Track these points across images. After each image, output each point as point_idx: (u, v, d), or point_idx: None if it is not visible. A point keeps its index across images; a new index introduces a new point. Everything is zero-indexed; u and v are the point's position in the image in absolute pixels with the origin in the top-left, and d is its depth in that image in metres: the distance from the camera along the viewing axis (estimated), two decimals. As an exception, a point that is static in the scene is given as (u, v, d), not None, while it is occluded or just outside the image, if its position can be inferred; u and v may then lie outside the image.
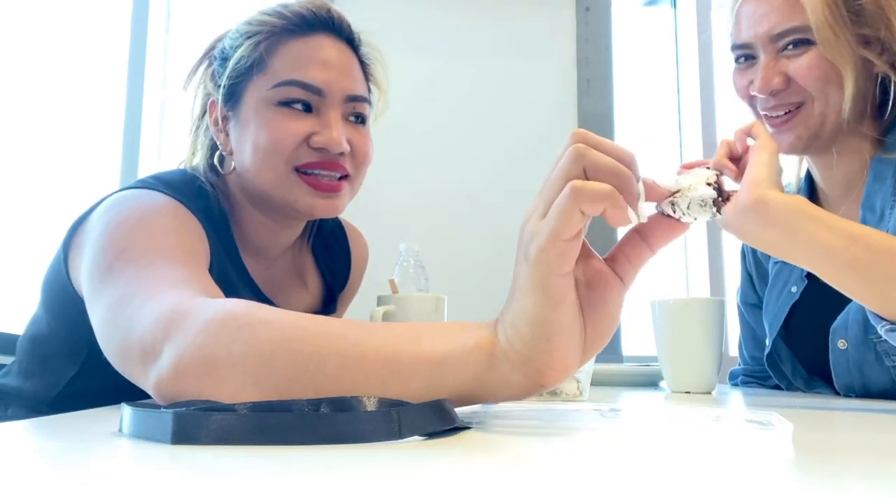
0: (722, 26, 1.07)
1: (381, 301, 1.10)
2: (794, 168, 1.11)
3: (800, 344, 1.07)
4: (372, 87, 0.93)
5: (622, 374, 1.17)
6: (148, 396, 0.56)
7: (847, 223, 0.68)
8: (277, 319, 0.51)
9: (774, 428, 0.46)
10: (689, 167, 0.81)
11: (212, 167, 0.90)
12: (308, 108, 0.84)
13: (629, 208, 0.43)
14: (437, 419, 0.42)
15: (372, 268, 1.14)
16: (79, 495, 0.26)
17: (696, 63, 2.26)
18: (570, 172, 0.44)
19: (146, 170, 1.83)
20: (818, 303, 1.00)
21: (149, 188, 0.78)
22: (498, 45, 2.15)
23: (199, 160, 0.91)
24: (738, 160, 0.74)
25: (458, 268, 1.91)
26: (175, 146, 0.97)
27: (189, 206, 0.78)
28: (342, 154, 0.85)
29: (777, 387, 1.14)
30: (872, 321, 0.73)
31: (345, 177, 0.86)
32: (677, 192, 0.46)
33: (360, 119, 0.89)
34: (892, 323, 0.71)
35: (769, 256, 1.13)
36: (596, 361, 0.72)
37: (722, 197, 0.45)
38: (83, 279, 0.71)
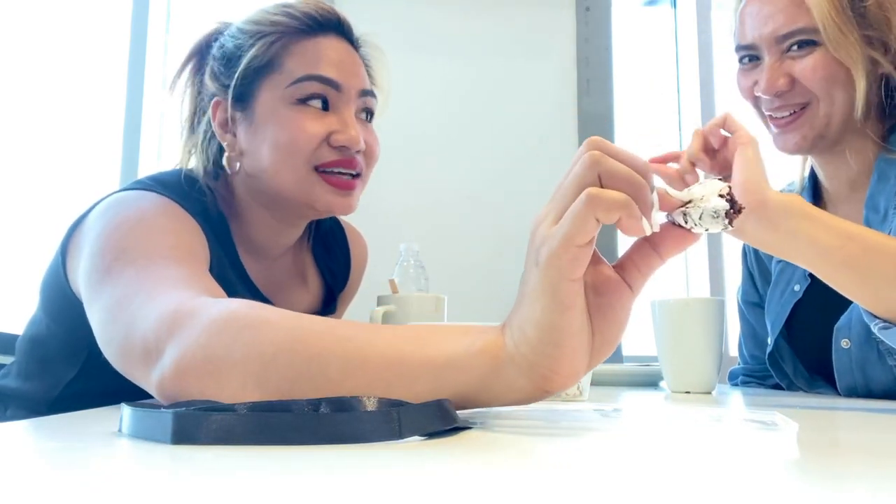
0: (722, 26, 1.07)
1: (381, 301, 1.10)
2: (798, 167, 1.11)
3: (802, 343, 1.07)
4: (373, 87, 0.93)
5: (622, 374, 1.17)
6: (148, 397, 0.56)
7: (844, 223, 0.69)
8: (280, 320, 0.51)
9: (779, 428, 0.46)
10: (660, 161, 0.81)
11: (213, 168, 0.89)
12: (325, 106, 0.85)
13: (643, 218, 0.43)
14: (437, 419, 0.42)
15: (372, 268, 1.13)
16: (79, 495, 0.26)
17: (696, 63, 2.26)
18: (585, 179, 0.43)
19: (146, 170, 1.83)
20: (821, 302, 1.00)
21: (146, 189, 0.78)
22: (498, 45, 2.15)
23: (196, 161, 0.90)
24: (711, 151, 0.76)
25: (458, 268, 1.91)
26: (175, 146, 0.96)
27: (187, 206, 0.77)
28: (359, 151, 0.86)
29: (777, 386, 1.14)
30: (866, 319, 0.73)
31: (357, 174, 0.87)
32: (689, 202, 0.46)
33: (369, 116, 0.91)
34: (885, 321, 0.71)
35: (772, 255, 1.13)
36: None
37: (734, 209, 0.46)
38: (81, 281, 0.71)
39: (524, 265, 0.46)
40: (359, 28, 0.92)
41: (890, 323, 0.71)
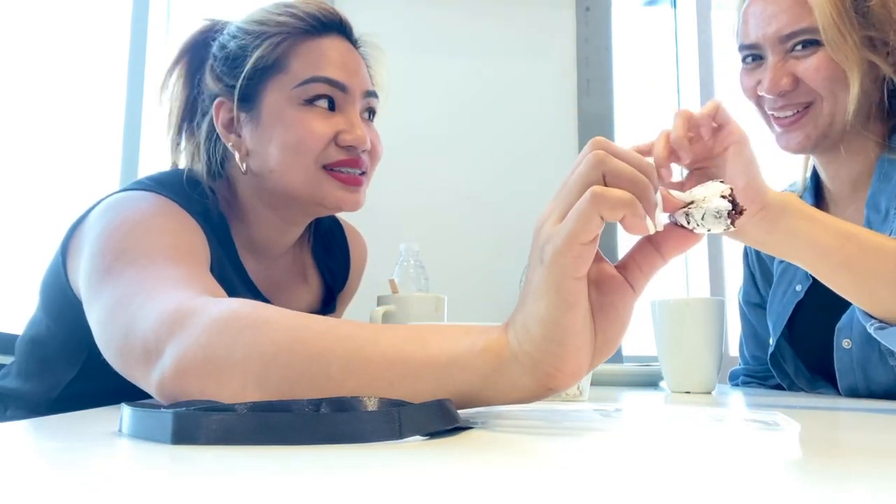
0: (722, 26, 1.07)
1: (381, 301, 1.10)
2: (799, 167, 1.11)
3: (803, 343, 1.07)
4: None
5: (622, 374, 1.17)
6: (148, 398, 0.56)
7: (842, 223, 0.69)
8: (281, 320, 0.51)
9: (780, 428, 0.46)
10: (641, 151, 0.76)
11: (213, 168, 0.89)
12: (331, 106, 0.85)
13: (647, 217, 0.43)
14: (437, 419, 0.42)
15: (372, 268, 1.13)
16: (79, 495, 0.25)
17: (696, 63, 2.26)
18: (590, 178, 0.44)
19: (146, 170, 1.83)
20: (822, 302, 1.00)
21: (146, 190, 0.77)
22: (498, 45, 2.15)
23: (196, 162, 0.90)
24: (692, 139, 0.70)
25: (458, 268, 1.91)
26: (164, 144, 0.96)
27: (187, 207, 0.77)
28: (364, 151, 0.87)
29: (778, 386, 1.14)
30: (862, 320, 0.73)
31: (363, 173, 0.88)
32: (691, 203, 0.46)
33: (372, 115, 0.91)
34: (881, 322, 0.71)
35: (773, 256, 1.13)
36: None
37: (736, 209, 0.46)
38: (81, 281, 0.71)
39: (528, 263, 0.47)
40: (358, 28, 0.92)
41: (886, 323, 0.71)
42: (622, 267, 0.48)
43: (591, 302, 0.46)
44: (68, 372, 0.84)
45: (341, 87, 0.85)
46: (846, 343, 0.97)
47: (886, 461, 0.36)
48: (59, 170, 1.70)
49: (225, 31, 0.89)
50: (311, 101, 0.84)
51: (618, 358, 1.92)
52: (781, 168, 1.15)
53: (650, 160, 0.68)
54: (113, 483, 0.29)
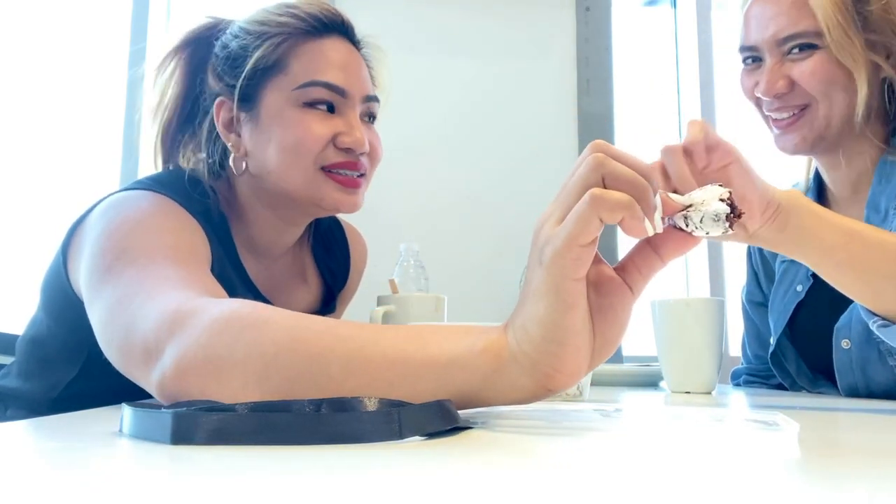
0: (722, 26, 1.07)
1: (381, 301, 1.10)
2: (803, 168, 1.12)
3: (805, 343, 1.08)
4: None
5: (622, 374, 1.17)
6: (149, 397, 0.56)
7: (846, 220, 0.69)
8: (282, 320, 0.51)
9: (780, 428, 0.46)
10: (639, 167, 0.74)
11: (213, 168, 0.89)
12: (331, 109, 0.85)
13: (646, 219, 0.43)
14: (437, 419, 0.42)
15: (372, 268, 1.13)
16: (79, 495, 0.25)
17: (696, 63, 2.26)
18: (589, 180, 0.44)
19: (146, 170, 1.82)
20: (823, 302, 1.01)
21: (147, 189, 0.78)
22: (498, 45, 2.15)
23: (193, 161, 0.90)
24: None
25: (458, 268, 1.91)
26: (149, 140, 0.95)
27: (187, 206, 0.77)
28: (363, 153, 0.87)
29: (780, 386, 1.14)
30: (864, 317, 0.73)
31: (362, 175, 0.88)
32: (690, 206, 0.47)
33: (373, 118, 0.91)
34: (884, 319, 0.71)
35: (776, 255, 1.13)
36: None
37: (734, 213, 0.46)
38: (82, 281, 0.71)
39: (527, 264, 0.47)
40: (360, 29, 0.92)
41: (888, 321, 0.71)
42: (621, 269, 0.48)
43: (590, 303, 0.46)
44: (69, 372, 0.84)
45: (340, 92, 0.85)
46: (845, 343, 0.97)
47: (886, 461, 0.36)
48: (60, 170, 1.70)
49: (227, 31, 0.89)
50: (310, 104, 0.84)
51: (618, 358, 1.93)
52: (784, 168, 1.15)
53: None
54: (113, 483, 0.29)
